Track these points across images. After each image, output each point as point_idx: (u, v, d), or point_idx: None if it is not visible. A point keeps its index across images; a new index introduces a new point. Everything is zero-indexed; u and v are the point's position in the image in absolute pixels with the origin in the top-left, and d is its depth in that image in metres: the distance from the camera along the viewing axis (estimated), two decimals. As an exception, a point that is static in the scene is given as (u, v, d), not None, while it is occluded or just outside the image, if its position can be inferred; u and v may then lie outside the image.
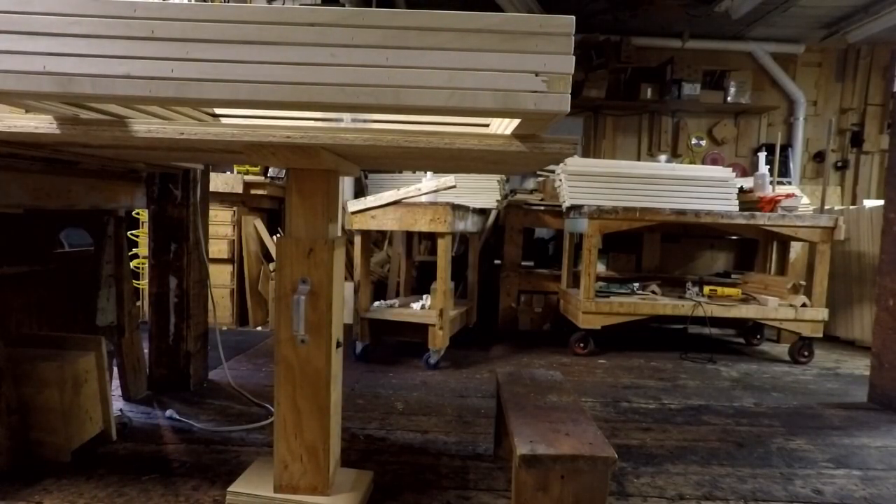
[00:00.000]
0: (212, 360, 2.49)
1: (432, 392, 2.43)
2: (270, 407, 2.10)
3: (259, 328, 3.63)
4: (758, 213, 3.18)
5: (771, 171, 3.64)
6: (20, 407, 1.59)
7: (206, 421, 1.98)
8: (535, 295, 3.83)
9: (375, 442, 1.85)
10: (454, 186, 2.78)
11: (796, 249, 3.69)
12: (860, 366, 3.16)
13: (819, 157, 5.64)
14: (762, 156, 3.85)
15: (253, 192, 3.64)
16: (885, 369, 2.47)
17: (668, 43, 5.43)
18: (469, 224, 3.17)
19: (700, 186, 3.49)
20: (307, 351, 1.32)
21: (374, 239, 4.13)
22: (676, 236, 4.12)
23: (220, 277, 3.58)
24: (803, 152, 5.65)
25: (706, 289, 3.31)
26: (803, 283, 3.22)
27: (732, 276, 3.93)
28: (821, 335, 3.17)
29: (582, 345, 3.20)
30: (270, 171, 3.75)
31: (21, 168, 1.52)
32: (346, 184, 3.98)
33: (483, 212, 3.68)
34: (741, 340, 3.78)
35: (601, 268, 3.92)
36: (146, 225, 2.64)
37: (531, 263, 4.16)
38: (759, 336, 3.70)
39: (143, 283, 3.25)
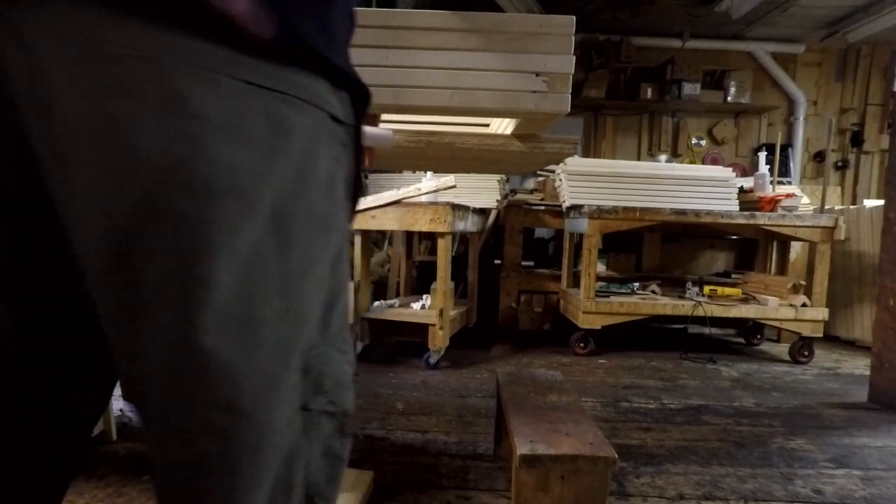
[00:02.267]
0: (212, 360, 2.49)
1: (432, 392, 2.43)
2: (270, 407, 2.09)
3: (259, 328, 3.62)
4: (758, 213, 3.18)
5: (771, 170, 3.64)
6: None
7: (206, 421, 1.97)
8: (535, 295, 3.82)
9: (375, 442, 1.85)
10: (454, 186, 2.78)
11: (796, 249, 3.68)
12: (860, 366, 3.15)
13: (819, 156, 5.63)
14: (762, 156, 3.85)
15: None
16: (885, 369, 2.47)
17: (668, 43, 5.43)
18: (469, 224, 3.16)
19: (700, 186, 3.49)
20: (307, 351, 1.31)
21: (374, 239, 4.13)
22: (676, 236, 4.12)
23: (220, 277, 3.57)
24: (803, 152, 5.64)
25: (706, 289, 3.31)
26: (803, 282, 3.22)
27: (732, 276, 3.92)
28: (821, 335, 3.16)
29: (582, 345, 3.20)
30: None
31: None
32: (346, 184, 3.97)
33: (483, 212, 3.68)
34: (741, 340, 3.78)
35: (601, 268, 3.92)
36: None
37: (531, 263, 4.15)
38: (759, 336, 3.70)
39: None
